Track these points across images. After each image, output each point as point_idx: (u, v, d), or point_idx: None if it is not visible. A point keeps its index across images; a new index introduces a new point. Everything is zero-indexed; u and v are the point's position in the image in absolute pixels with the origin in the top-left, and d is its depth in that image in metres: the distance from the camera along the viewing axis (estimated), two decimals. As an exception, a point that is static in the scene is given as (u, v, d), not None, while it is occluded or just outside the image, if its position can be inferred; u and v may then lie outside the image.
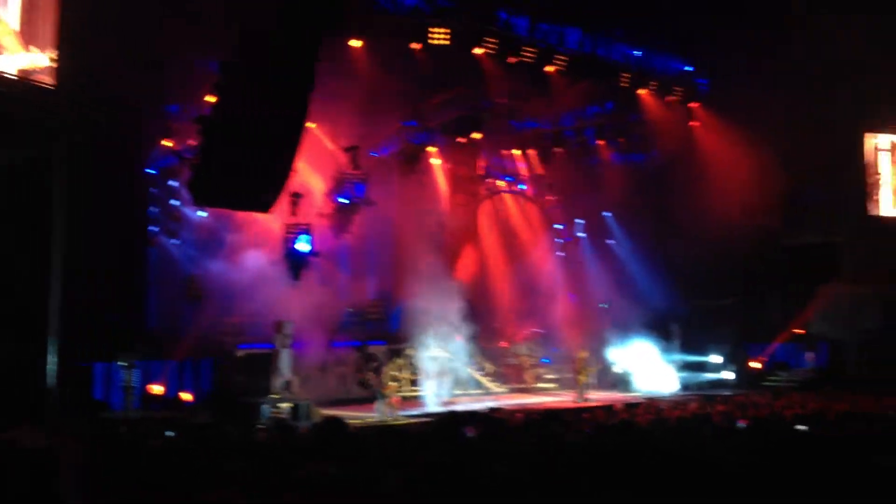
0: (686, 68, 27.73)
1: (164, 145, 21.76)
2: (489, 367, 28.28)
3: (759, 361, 31.33)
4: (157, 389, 21.61)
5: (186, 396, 21.93)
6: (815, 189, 31.13)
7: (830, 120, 29.71)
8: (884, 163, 31.36)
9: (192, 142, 20.09)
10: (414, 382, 25.44)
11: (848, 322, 30.50)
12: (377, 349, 25.88)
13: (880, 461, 4.48)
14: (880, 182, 31.18)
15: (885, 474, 4.20)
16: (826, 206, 31.00)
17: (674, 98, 27.60)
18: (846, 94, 28.73)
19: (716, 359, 29.86)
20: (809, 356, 31.56)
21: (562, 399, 25.68)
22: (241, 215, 20.82)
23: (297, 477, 4.55)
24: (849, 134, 30.39)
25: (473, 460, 4.82)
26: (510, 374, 29.22)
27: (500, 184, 32.56)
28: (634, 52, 26.18)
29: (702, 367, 29.74)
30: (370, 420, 20.58)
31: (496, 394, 26.94)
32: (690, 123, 28.45)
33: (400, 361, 23.96)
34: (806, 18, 27.65)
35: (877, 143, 31.34)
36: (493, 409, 20.44)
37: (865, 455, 4.45)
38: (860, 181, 30.77)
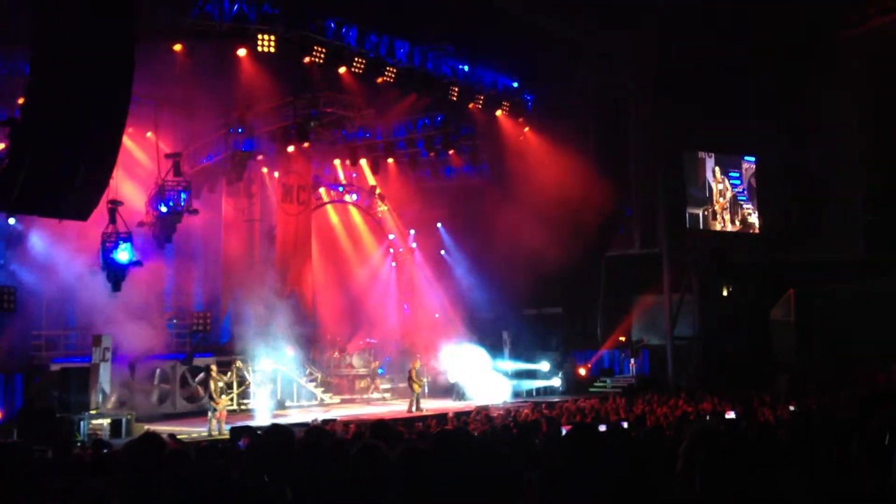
0: (512, 84, 28.41)
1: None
2: (322, 378, 28.02)
3: (586, 368, 32.37)
4: (-38, 406, 20.35)
5: (-2, 413, 20.73)
6: (637, 202, 32.56)
7: (650, 136, 31.20)
8: (701, 178, 33.00)
9: (1, 146, 19.05)
10: (244, 395, 24.95)
11: (666, 330, 31.98)
12: (204, 362, 25.22)
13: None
14: (698, 197, 32.80)
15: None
16: (647, 219, 32.43)
17: (501, 113, 28.22)
18: (667, 113, 30.21)
19: (545, 366, 30.58)
20: (632, 363, 32.81)
21: (396, 409, 25.67)
22: (56, 223, 19.83)
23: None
24: (669, 150, 31.83)
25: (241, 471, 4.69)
26: (343, 385, 29.05)
27: (332, 193, 32.45)
28: (462, 66, 26.61)
29: (532, 374, 30.38)
30: (197, 435, 19.96)
31: (329, 405, 26.70)
32: (517, 138, 29.14)
33: (229, 374, 23.42)
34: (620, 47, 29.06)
35: (696, 159, 32.93)
36: (325, 421, 20.25)
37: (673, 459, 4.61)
38: (679, 196, 32.24)
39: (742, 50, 29.20)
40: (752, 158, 33.84)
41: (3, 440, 17.47)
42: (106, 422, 20.38)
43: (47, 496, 6.13)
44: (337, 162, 32.13)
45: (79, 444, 17.98)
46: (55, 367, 22.02)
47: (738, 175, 33.67)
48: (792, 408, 17.49)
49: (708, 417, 15.49)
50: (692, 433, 4.08)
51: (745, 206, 33.75)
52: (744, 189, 33.77)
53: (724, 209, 33.12)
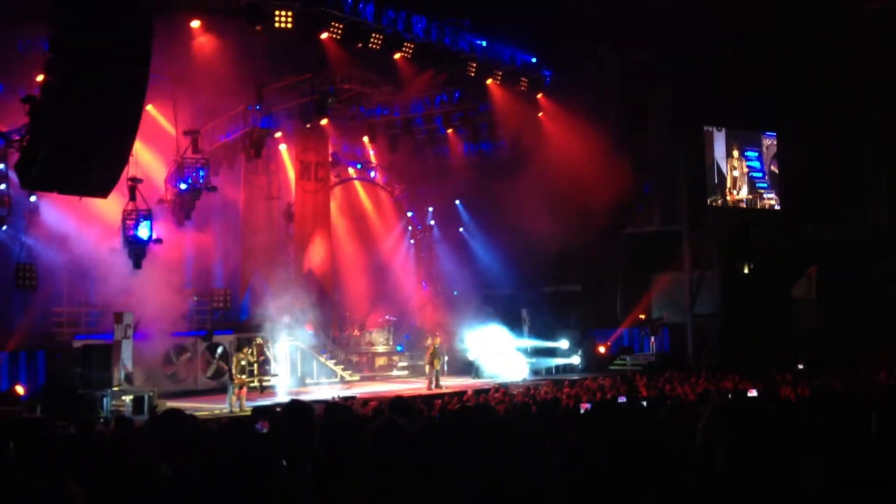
0: (530, 59, 28.20)
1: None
2: (341, 355, 28.12)
3: (605, 346, 32.32)
4: (-13, 383, 20.61)
5: (21, 390, 20.93)
6: (656, 179, 32.40)
7: (670, 112, 30.99)
8: (720, 154, 32.69)
9: (20, 123, 19.13)
10: (264, 372, 25.08)
11: (686, 307, 31.87)
12: (225, 339, 25.37)
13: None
14: (718, 173, 32.52)
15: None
16: (666, 196, 32.25)
17: (520, 88, 28.03)
18: (686, 90, 29.97)
19: (564, 344, 30.55)
20: (652, 340, 32.73)
21: (415, 386, 25.73)
22: (76, 200, 19.90)
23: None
24: (688, 126, 31.60)
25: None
26: (362, 363, 29.16)
27: (350, 171, 32.42)
28: (480, 42, 26.42)
29: (551, 352, 30.36)
30: (218, 412, 20.12)
31: (349, 382, 26.81)
32: (536, 114, 28.96)
33: (249, 351, 23.52)
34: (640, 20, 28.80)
35: (714, 135, 32.62)
36: (345, 398, 20.36)
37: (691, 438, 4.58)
38: (699, 172, 32.02)
39: (758, 29, 28.92)
40: (773, 133, 33.50)
41: (27, 416, 17.71)
42: (128, 398, 20.55)
43: (70, 472, 6.16)
44: (354, 139, 32.06)
45: (102, 420, 18.15)
46: (77, 344, 22.24)
47: (757, 154, 33.22)
48: (813, 385, 17.43)
49: (729, 395, 15.43)
50: (711, 409, 4.04)
51: (766, 195, 33.27)
52: (764, 174, 33.29)
53: (736, 202, 32.62)
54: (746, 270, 33.20)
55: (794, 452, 4.50)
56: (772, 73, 29.72)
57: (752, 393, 15.23)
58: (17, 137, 18.96)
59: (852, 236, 30.29)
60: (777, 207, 33.47)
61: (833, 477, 4.73)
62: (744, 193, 32.92)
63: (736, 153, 32.73)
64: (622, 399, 13.73)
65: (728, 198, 32.52)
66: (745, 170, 32.95)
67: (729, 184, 32.54)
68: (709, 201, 32.10)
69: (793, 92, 30.66)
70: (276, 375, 24.13)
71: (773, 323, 30.74)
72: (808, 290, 31.43)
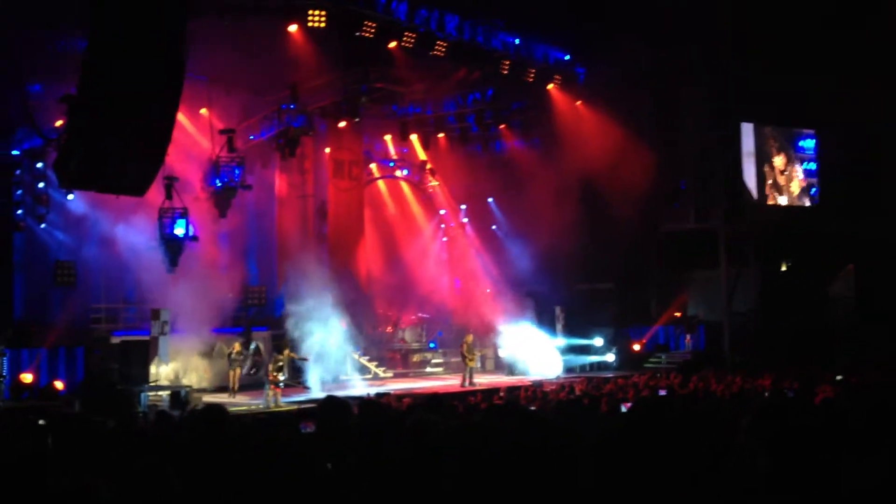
0: (564, 57, 28.09)
1: (27, 126, 20.96)
2: (374, 352, 28.19)
3: (640, 344, 32.12)
4: (27, 378, 20.84)
5: (60, 385, 21.23)
6: (691, 176, 32.12)
7: (703, 108, 30.70)
8: (756, 150, 32.31)
9: (58, 123, 19.40)
10: (298, 369, 25.17)
11: (723, 305, 31.58)
12: (260, 335, 25.50)
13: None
14: (754, 168, 32.16)
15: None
16: (702, 193, 31.96)
17: (553, 86, 27.93)
18: (720, 85, 29.68)
19: (598, 342, 30.41)
20: (688, 338, 32.48)
21: (449, 384, 25.75)
22: (114, 198, 20.12)
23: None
24: (723, 122, 31.30)
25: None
26: (396, 359, 29.22)
27: (383, 169, 32.49)
28: (513, 40, 26.37)
29: (585, 349, 30.23)
30: (254, 408, 20.27)
31: (382, 379, 26.89)
32: (569, 111, 28.83)
33: (288, 351, 23.62)
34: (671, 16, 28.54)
35: (751, 131, 32.24)
36: (379, 395, 20.42)
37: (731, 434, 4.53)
38: (735, 168, 31.71)
39: (794, 23, 28.60)
40: (811, 130, 33.10)
41: (66, 411, 17.95)
42: (165, 394, 20.76)
43: (108, 466, 6.21)
44: (387, 137, 32.11)
45: (140, 415, 18.35)
46: (115, 341, 22.51)
47: (813, 150, 32.71)
48: (852, 383, 17.20)
49: (767, 394, 15.26)
50: (756, 409, 3.99)
51: (804, 190, 32.74)
52: (816, 170, 32.79)
53: (774, 199, 32.11)
54: (784, 268, 32.85)
55: (835, 451, 4.43)
56: (809, 68, 29.34)
57: (790, 392, 15.05)
58: (55, 136, 19.19)
59: (891, 233, 29.84)
60: (809, 204, 33.05)
61: (876, 476, 4.66)
62: (781, 190, 32.52)
63: (775, 150, 32.31)
64: (662, 392, 13.63)
65: (766, 194, 32.11)
66: (784, 167, 32.54)
67: (768, 181, 32.13)
68: (745, 198, 31.74)
69: (831, 87, 30.23)
70: (310, 372, 24.17)
71: (812, 321, 30.38)
72: (846, 287, 31.03)
